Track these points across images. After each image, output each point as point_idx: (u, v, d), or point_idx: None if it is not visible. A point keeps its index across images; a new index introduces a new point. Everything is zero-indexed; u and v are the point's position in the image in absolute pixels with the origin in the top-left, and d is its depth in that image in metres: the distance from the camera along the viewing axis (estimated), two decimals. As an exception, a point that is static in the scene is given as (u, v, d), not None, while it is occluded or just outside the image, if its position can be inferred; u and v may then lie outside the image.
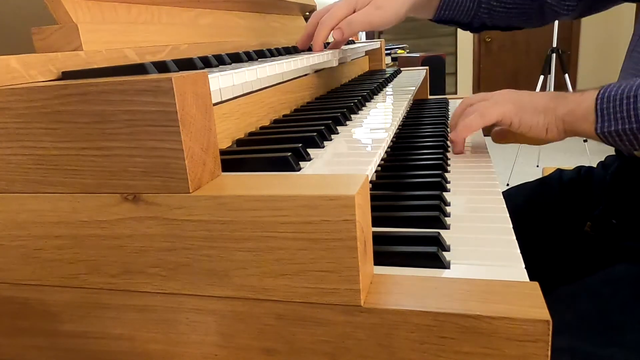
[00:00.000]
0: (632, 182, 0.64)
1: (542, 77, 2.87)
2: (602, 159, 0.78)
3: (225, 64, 0.55)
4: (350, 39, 1.00)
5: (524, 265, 0.39)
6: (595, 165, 0.80)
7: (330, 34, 0.78)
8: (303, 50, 0.83)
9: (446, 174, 0.64)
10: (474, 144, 0.79)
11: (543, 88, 2.86)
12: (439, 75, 2.91)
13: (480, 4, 0.78)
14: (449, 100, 1.24)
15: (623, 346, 0.48)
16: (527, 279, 0.37)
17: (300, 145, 0.46)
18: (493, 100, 0.62)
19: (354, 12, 0.74)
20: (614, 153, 0.73)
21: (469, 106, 0.66)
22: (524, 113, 0.59)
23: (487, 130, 0.74)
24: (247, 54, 0.64)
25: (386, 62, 1.52)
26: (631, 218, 0.63)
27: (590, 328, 0.51)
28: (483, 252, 0.42)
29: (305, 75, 0.80)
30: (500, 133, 0.69)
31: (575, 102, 0.56)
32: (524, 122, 0.59)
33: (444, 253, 0.42)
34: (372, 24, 0.74)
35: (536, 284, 0.33)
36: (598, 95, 0.53)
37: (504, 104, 0.60)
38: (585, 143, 2.89)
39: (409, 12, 0.77)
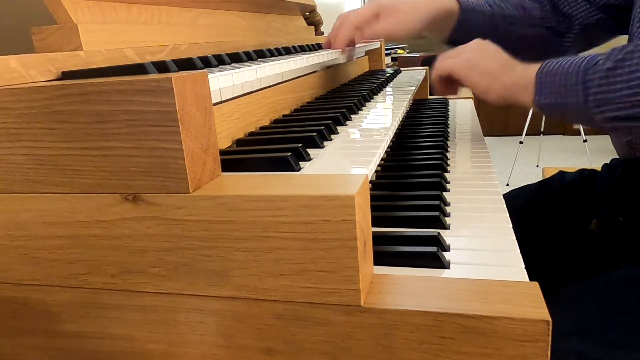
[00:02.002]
0: None
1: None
2: (605, 161, 0.79)
3: (225, 64, 0.55)
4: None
5: (524, 265, 0.39)
6: (595, 167, 0.80)
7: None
8: (303, 50, 0.84)
9: (446, 174, 0.64)
10: (473, 143, 0.79)
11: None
12: (439, 75, 2.90)
13: (490, 35, 0.79)
14: (449, 100, 1.24)
15: (628, 349, 0.48)
16: (527, 279, 0.37)
17: (300, 145, 0.46)
18: (455, 53, 0.68)
19: (378, 17, 0.78)
20: (617, 156, 0.74)
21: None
22: (472, 71, 0.65)
23: (487, 131, 0.74)
24: (247, 54, 0.64)
25: (386, 62, 1.52)
26: (638, 216, 0.63)
27: (595, 331, 0.51)
28: (483, 252, 0.42)
29: (305, 75, 0.80)
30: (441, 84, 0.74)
31: (519, 74, 0.61)
32: (470, 80, 0.65)
33: (444, 253, 0.42)
34: (391, 36, 0.79)
35: (536, 284, 0.33)
36: (539, 69, 0.58)
37: (459, 58, 0.66)
38: (585, 143, 2.89)
39: (426, 30, 0.81)
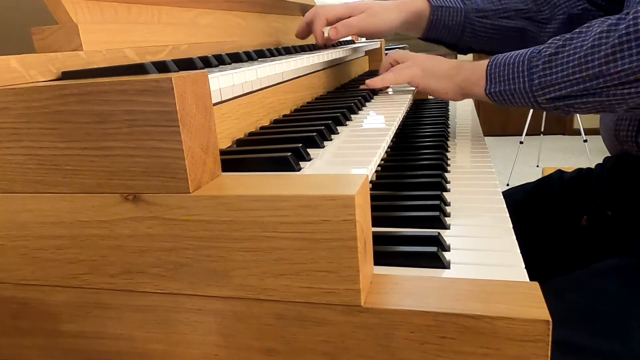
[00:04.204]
0: (628, 176, 0.67)
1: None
2: (601, 161, 0.80)
3: (225, 64, 0.55)
4: (350, 38, 1.06)
5: (524, 265, 0.39)
6: (594, 167, 0.81)
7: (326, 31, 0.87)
8: (303, 50, 0.84)
9: (446, 174, 0.64)
10: (473, 143, 0.79)
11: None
12: (439, 75, 2.90)
13: (465, 29, 0.86)
14: (449, 100, 1.24)
15: (610, 337, 0.49)
16: (527, 279, 0.37)
17: (300, 145, 0.46)
18: (407, 64, 0.76)
19: (350, 17, 0.83)
20: (611, 154, 0.75)
21: (393, 61, 0.79)
22: (429, 79, 0.72)
23: (487, 131, 0.75)
24: (247, 54, 0.64)
25: (386, 62, 1.52)
26: (626, 210, 0.64)
27: (579, 320, 0.52)
28: (483, 252, 0.42)
29: (305, 75, 0.80)
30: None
31: (470, 70, 0.67)
32: (428, 86, 0.72)
33: (444, 253, 0.42)
34: (364, 30, 0.84)
35: (536, 284, 0.33)
36: (488, 63, 0.64)
37: (415, 68, 0.74)
38: (585, 143, 2.89)
39: (400, 28, 0.87)
